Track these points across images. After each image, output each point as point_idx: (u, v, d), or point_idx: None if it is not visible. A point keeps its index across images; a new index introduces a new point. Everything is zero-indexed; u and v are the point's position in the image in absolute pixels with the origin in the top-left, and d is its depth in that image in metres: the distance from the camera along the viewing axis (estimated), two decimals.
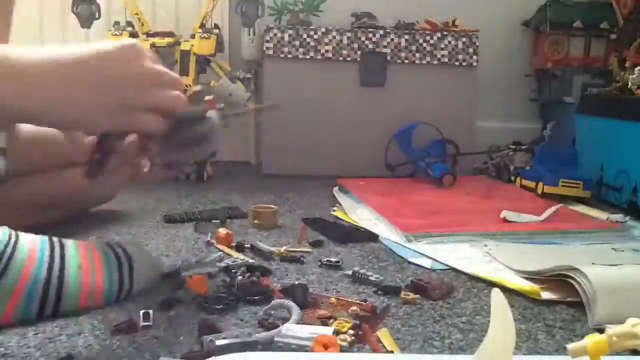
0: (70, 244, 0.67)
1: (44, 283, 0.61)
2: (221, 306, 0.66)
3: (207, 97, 0.74)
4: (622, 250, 0.92)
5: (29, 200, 0.92)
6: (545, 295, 0.72)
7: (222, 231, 0.91)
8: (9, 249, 0.60)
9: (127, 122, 0.60)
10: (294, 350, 0.54)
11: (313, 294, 0.70)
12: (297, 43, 1.59)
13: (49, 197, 0.95)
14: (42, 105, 0.56)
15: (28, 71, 0.56)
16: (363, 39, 1.60)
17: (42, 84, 0.56)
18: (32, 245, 0.63)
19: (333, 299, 0.68)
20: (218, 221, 1.04)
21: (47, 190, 0.95)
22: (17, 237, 0.62)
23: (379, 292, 0.73)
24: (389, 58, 1.61)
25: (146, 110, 0.61)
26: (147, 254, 0.75)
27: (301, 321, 0.61)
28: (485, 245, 0.92)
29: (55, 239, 0.66)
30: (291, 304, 0.63)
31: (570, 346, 0.42)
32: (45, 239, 0.65)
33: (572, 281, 0.70)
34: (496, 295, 0.43)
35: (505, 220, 1.08)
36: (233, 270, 0.78)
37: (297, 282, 0.72)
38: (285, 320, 0.61)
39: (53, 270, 0.62)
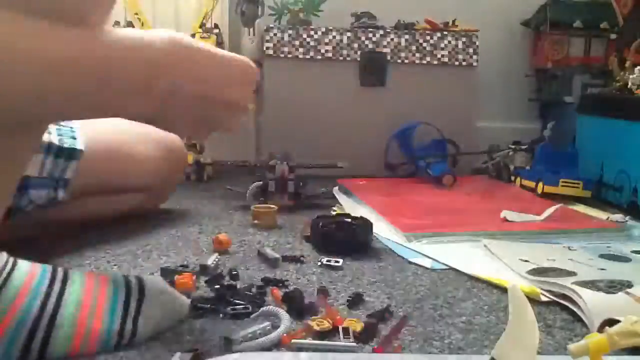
0: (76, 276, 0.59)
1: (34, 319, 0.53)
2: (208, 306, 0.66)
3: None
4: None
5: (78, 219, 0.95)
6: (545, 297, 0.72)
7: (222, 236, 0.90)
8: (0, 279, 0.53)
9: (203, 130, 0.69)
10: None
11: (315, 302, 0.68)
12: (297, 43, 1.59)
13: (99, 216, 0.99)
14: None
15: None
16: (363, 38, 1.60)
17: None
18: (29, 275, 0.56)
19: (332, 313, 0.65)
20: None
21: (101, 212, 0.98)
22: (14, 264, 0.56)
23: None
24: (389, 58, 1.61)
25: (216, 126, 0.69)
26: (167, 293, 0.63)
27: (292, 330, 0.60)
28: (485, 246, 0.92)
29: (59, 269, 0.59)
30: (281, 311, 0.63)
31: (571, 346, 0.42)
32: (46, 268, 0.58)
33: (569, 302, 0.69)
34: (513, 289, 0.41)
35: (505, 220, 1.08)
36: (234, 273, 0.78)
37: (293, 288, 0.71)
38: (275, 327, 0.60)
39: (47, 306, 0.54)
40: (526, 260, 0.83)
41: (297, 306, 0.66)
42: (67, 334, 0.54)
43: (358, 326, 0.61)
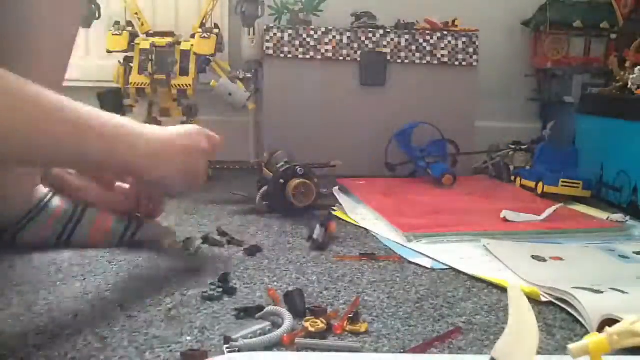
0: (92, 210, 0.90)
1: (66, 221, 0.87)
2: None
3: None
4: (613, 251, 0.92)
5: None
6: (545, 297, 0.72)
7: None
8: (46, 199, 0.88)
9: (193, 184, 0.85)
10: None
11: (314, 304, 0.67)
12: (297, 43, 1.59)
13: None
14: (150, 167, 0.77)
15: (149, 142, 0.76)
16: (363, 38, 1.60)
17: (156, 153, 0.77)
18: (62, 201, 0.89)
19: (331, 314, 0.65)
20: None
21: None
22: (54, 193, 0.89)
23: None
24: (389, 58, 1.61)
25: (200, 173, 0.86)
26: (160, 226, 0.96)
27: (293, 329, 0.60)
28: (485, 246, 0.92)
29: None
30: (284, 311, 0.63)
31: (571, 346, 0.42)
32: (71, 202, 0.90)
33: (567, 305, 0.69)
34: (513, 289, 0.41)
35: (505, 220, 1.08)
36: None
37: (293, 288, 0.70)
38: (278, 326, 0.60)
39: (77, 208, 0.89)
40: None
41: (298, 306, 0.66)
42: (88, 224, 0.88)
43: (363, 327, 0.62)
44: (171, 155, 0.79)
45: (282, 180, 1.12)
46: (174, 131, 0.82)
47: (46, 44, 0.79)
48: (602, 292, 0.68)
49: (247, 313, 0.65)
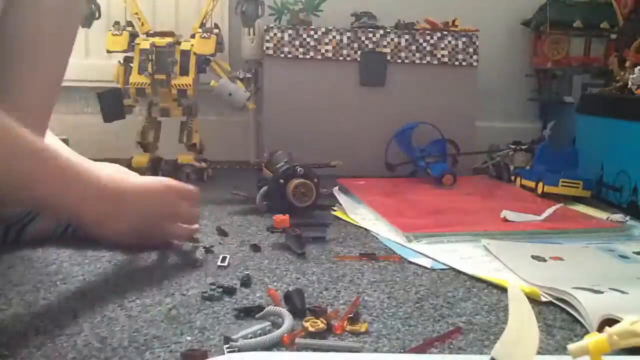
0: None
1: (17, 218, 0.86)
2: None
3: None
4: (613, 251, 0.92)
5: None
6: (545, 297, 0.72)
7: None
8: None
9: (148, 240, 0.82)
10: None
11: (314, 304, 0.67)
12: (297, 43, 1.59)
13: None
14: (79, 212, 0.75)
15: (102, 195, 0.75)
16: (363, 38, 1.60)
17: (106, 210, 0.75)
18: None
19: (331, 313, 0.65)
20: None
21: None
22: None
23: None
24: (389, 58, 1.61)
25: (163, 236, 0.83)
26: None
27: (293, 329, 0.60)
28: (485, 246, 0.92)
29: None
30: (284, 311, 0.63)
31: (570, 346, 0.42)
32: None
33: (567, 305, 0.69)
34: (513, 289, 0.41)
35: (505, 220, 1.08)
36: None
37: (293, 288, 0.70)
38: (278, 326, 0.60)
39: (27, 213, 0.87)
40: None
41: (298, 306, 0.66)
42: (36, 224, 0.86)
43: (363, 327, 0.62)
44: (124, 214, 0.77)
45: (282, 180, 1.12)
46: (138, 186, 0.79)
47: (48, 43, 0.79)
48: (602, 292, 0.68)
49: (247, 313, 0.65)
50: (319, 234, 0.97)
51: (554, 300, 0.71)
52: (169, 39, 1.46)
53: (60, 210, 0.73)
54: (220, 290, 0.71)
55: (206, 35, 1.48)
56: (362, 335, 0.61)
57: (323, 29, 1.59)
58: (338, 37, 1.60)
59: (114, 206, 0.76)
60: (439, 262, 0.86)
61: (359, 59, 1.61)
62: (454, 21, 1.66)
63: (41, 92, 0.79)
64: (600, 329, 0.59)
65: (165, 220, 0.83)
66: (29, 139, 0.66)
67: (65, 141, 1.03)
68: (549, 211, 1.11)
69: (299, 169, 1.12)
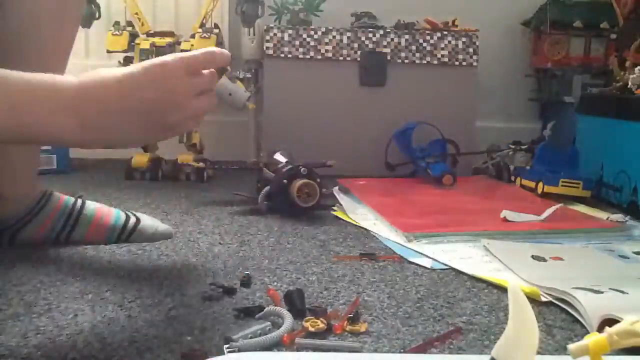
0: (91, 205, 0.91)
1: (65, 219, 0.88)
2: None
3: None
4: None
5: None
6: (545, 297, 0.72)
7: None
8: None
9: (164, 135, 0.66)
10: None
11: (315, 304, 0.68)
12: (297, 43, 1.59)
13: None
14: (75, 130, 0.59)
15: (78, 95, 0.59)
16: (363, 38, 1.60)
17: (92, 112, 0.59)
18: (61, 199, 0.90)
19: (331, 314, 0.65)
20: None
21: None
22: (51, 192, 0.89)
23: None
24: (389, 58, 1.61)
25: (185, 119, 0.64)
26: (157, 223, 0.95)
27: (293, 329, 0.60)
28: (485, 246, 0.92)
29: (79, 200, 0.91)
30: (284, 311, 0.63)
31: (570, 346, 0.42)
32: (71, 198, 0.91)
33: (567, 305, 0.69)
34: (513, 289, 0.41)
35: (505, 220, 1.08)
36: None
37: (293, 288, 0.70)
38: (278, 326, 0.60)
39: (76, 205, 0.89)
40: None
41: (299, 306, 0.66)
42: (84, 227, 0.89)
43: (363, 327, 0.62)
44: (113, 117, 0.59)
45: (285, 181, 1.12)
46: (122, 79, 0.60)
47: (47, 41, 0.79)
48: (602, 292, 0.68)
49: (247, 313, 0.65)
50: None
51: (554, 300, 0.71)
52: (169, 39, 1.47)
53: (31, 135, 0.58)
54: (220, 290, 0.71)
55: (206, 35, 1.48)
56: (362, 335, 0.61)
57: (323, 29, 1.59)
58: (338, 37, 1.60)
59: (87, 111, 0.58)
60: (439, 262, 0.86)
61: (359, 59, 1.61)
62: (454, 21, 1.66)
63: None
64: (600, 329, 0.59)
65: (174, 106, 0.63)
66: None
67: None
68: (549, 211, 1.11)
69: (302, 169, 1.12)
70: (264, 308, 0.65)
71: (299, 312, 0.65)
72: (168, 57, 0.63)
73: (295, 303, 0.66)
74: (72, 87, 0.58)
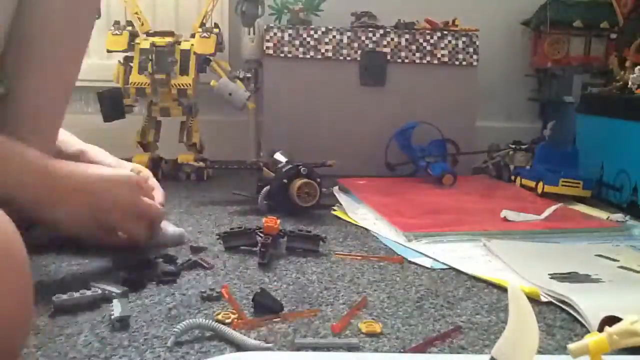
0: None
1: None
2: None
3: None
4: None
5: None
6: (545, 297, 0.72)
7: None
8: None
9: (102, 238, 0.77)
10: None
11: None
12: (297, 42, 1.59)
13: None
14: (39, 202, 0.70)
15: (47, 175, 0.69)
16: (363, 38, 1.60)
17: (50, 190, 0.70)
18: None
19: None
20: None
21: None
22: None
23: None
24: (389, 57, 1.61)
25: (122, 233, 0.78)
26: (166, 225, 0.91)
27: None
28: (484, 245, 0.92)
29: None
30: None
31: (570, 346, 0.42)
32: None
33: (568, 306, 0.69)
34: (513, 289, 0.41)
35: (505, 220, 1.08)
36: None
37: (257, 291, 0.68)
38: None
39: None
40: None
41: (273, 304, 0.66)
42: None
43: (377, 327, 0.62)
44: (71, 200, 0.71)
45: (285, 180, 1.12)
46: (91, 175, 0.73)
47: (63, 38, 0.79)
48: (602, 282, 0.68)
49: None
50: (310, 246, 0.90)
51: (554, 301, 0.71)
52: (169, 39, 1.46)
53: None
54: (220, 291, 0.71)
55: (206, 35, 1.48)
56: (362, 334, 0.61)
57: (323, 29, 1.59)
58: (338, 37, 1.60)
59: (51, 190, 0.69)
60: (439, 261, 0.86)
61: (359, 59, 1.61)
62: (454, 21, 1.66)
63: (53, 95, 0.78)
64: (600, 328, 0.59)
65: (119, 214, 0.76)
66: None
67: None
68: (549, 211, 1.11)
69: (302, 169, 1.12)
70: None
71: (276, 309, 0.65)
72: (137, 177, 0.78)
73: (269, 302, 0.66)
74: (48, 166, 0.69)
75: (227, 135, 1.76)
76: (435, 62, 1.62)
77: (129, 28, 1.50)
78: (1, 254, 0.45)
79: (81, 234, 0.78)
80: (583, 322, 0.65)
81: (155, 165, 1.47)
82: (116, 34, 1.48)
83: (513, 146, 1.56)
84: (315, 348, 0.58)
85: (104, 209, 0.74)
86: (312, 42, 1.59)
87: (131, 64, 1.46)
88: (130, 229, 0.79)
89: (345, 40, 1.60)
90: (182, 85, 1.44)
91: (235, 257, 0.86)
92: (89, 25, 0.84)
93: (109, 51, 1.49)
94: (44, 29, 0.76)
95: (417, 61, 1.62)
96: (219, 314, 0.64)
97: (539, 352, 0.45)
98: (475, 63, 1.63)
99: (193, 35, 1.51)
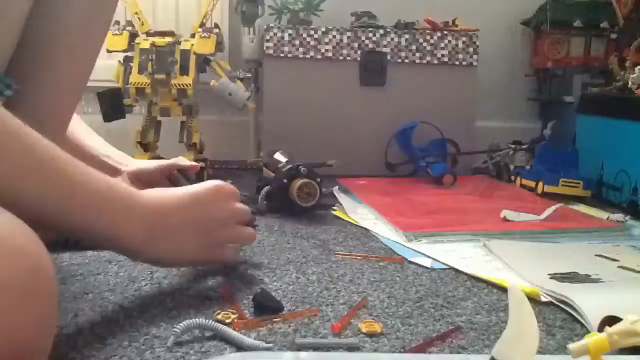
0: None
1: None
2: None
3: None
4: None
5: None
6: (545, 297, 0.72)
7: None
8: None
9: (212, 253, 0.71)
10: None
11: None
12: (297, 42, 1.59)
13: None
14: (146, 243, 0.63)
15: (146, 211, 0.63)
16: (363, 38, 1.60)
17: (153, 226, 0.63)
18: None
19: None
20: None
21: None
22: None
23: None
24: (389, 57, 1.61)
25: (226, 243, 0.73)
26: None
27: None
28: (484, 245, 0.92)
29: None
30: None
31: (571, 346, 0.42)
32: None
33: (568, 306, 0.69)
34: (513, 289, 0.41)
35: (505, 220, 1.08)
36: None
37: (258, 291, 0.68)
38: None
39: None
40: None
41: (273, 303, 0.66)
42: None
43: (377, 327, 0.62)
44: (174, 229, 0.65)
45: (285, 180, 1.12)
46: (183, 195, 0.68)
47: (78, 43, 0.78)
48: (602, 282, 0.68)
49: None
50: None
51: (554, 301, 0.71)
52: (169, 39, 1.46)
53: (95, 234, 0.59)
54: (220, 290, 0.71)
55: (206, 35, 1.48)
56: (362, 334, 0.61)
57: (323, 29, 1.59)
58: (338, 37, 1.60)
59: (155, 223, 0.63)
60: (439, 261, 0.86)
61: (359, 59, 1.61)
62: (454, 21, 1.66)
63: (66, 94, 0.77)
64: (600, 328, 0.59)
65: (222, 225, 0.71)
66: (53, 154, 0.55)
67: None
68: (548, 211, 1.11)
69: (302, 169, 1.12)
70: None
71: (276, 309, 0.65)
72: (222, 183, 0.73)
73: (269, 303, 0.66)
74: (143, 198, 0.63)
75: (227, 135, 1.76)
76: (435, 62, 1.62)
77: (129, 28, 1.50)
78: (32, 282, 0.43)
79: (195, 260, 0.73)
80: (583, 322, 0.65)
81: None
82: (116, 34, 1.48)
83: (513, 146, 1.56)
84: (315, 348, 0.58)
85: (209, 228, 0.70)
86: (312, 42, 1.59)
87: (131, 64, 1.46)
88: (236, 236, 0.75)
89: (345, 40, 1.60)
90: (182, 85, 1.44)
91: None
92: (104, 31, 0.83)
93: (109, 51, 1.49)
94: (60, 33, 0.76)
95: (417, 61, 1.62)
96: (219, 314, 0.64)
97: (539, 352, 0.45)
98: (475, 63, 1.63)
99: (193, 35, 1.51)
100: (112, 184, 0.60)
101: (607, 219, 1.14)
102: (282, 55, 1.59)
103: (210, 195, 0.70)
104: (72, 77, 0.77)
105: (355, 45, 1.60)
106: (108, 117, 1.39)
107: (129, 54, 1.49)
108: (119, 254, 0.69)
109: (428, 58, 1.62)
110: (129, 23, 1.52)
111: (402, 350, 0.58)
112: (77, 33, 0.77)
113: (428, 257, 0.88)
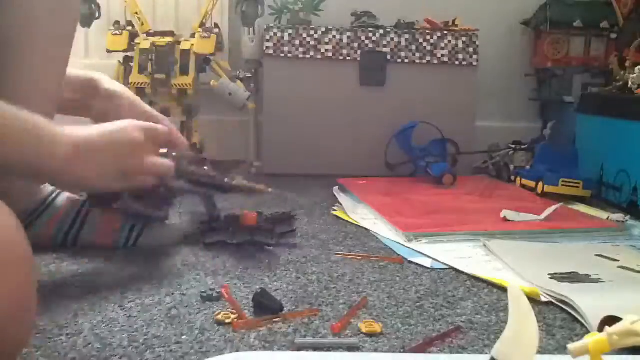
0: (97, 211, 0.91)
1: (76, 212, 0.89)
2: None
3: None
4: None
5: None
6: (545, 297, 0.72)
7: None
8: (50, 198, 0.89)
9: (127, 183, 0.78)
10: None
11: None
12: (297, 42, 1.59)
13: None
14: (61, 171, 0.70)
15: (62, 143, 0.69)
16: (363, 38, 1.60)
17: (71, 155, 0.69)
18: (68, 200, 0.90)
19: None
20: None
21: None
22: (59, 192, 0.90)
23: None
24: (389, 57, 1.61)
25: (143, 173, 0.79)
26: (168, 226, 0.95)
27: None
28: (484, 245, 0.92)
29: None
30: None
31: (570, 346, 0.42)
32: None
33: (568, 306, 0.69)
34: (513, 289, 0.41)
35: (505, 220, 1.08)
36: None
37: (257, 291, 0.68)
38: None
39: (82, 208, 0.89)
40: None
41: (274, 304, 0.66)
42: (92, 229, 0.89)
43: (377, 327, 0.62)
44: (90, 155, 0.72)
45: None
46: (98, 130, 0.76)
47: (45, 38, 0.78)
48: (602, 282, 0.68)
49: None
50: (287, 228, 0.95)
51: (554, 301, 0.71)
52: (169, 39, 1.46)
53: (21, 168, 0.66)
54: (220, 291, 0.71)
55: (206, 35, 1.48)
56: (362, 334, 0.61)
57: (323, 29, 1.59)
58: (338, 37, 1.60)
59: (79, 149, 0.71)
60: (439, 261, 0.86)
61: (359, 59, 1.60)
62: (454, 21, 1.66)
63: (40, 99, 0.77)
64: (600, 328, 0.59)
65: (140, 151, 0.79)
66: None
67: None
68: (548, 211, 1.11)
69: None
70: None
71: (275, 309, 0.65)
72: (136, 124, 0.79)
73: (270, 302, 0.66)
74: (65, 129, 0.70)
75: (227, 135, 1.76)
76: (435, 62, 1.62)
77: (129, 28, 1.50)
78: (5, 254, 0.44)
79: (111, 186, 0.78)
80: (583, 322, 0.65)
81: None
82: (116, 34, 1.48)
83: (513, 146, 1.56)
84: (315, 348, 0.58)
85: (126, 153, 0.77)
86: (312, 42, 1.59)
87: (131, 64, 1.46)
88: (152, 165, 0.81)
89: (345, 40, 1.60)
90: (182, 85, 1.44)
91: (235, 257, 0.86)
92: (72, 22, 0.84)
93: (109, 51, 1.49)
94: (25, 27, 0.76)
95: (417, 61, 1.62)
96: (219, 314, 0.64)
97: (539, 352, 0.45)
98: (475, 63, 1.63)
99: (193, 35, 1.51)
100: (38, 122, 0.66)
101: (607, 219, 1.14)
102: (282, 55, 1.59)
103: (125, 127, 0.78)
104: (37, 84, 0.78)
105: (355, 45, 1.60)
106: None
107: (129, 54, 1.49)
108: (46, 182, 0.81)
109: (428, 58, 1.62)
110: (129, 23, 1.52)
111: (402, 350, 0.58)
112: (43, 25, 0.78)
113: (428, 257, 0.88)
